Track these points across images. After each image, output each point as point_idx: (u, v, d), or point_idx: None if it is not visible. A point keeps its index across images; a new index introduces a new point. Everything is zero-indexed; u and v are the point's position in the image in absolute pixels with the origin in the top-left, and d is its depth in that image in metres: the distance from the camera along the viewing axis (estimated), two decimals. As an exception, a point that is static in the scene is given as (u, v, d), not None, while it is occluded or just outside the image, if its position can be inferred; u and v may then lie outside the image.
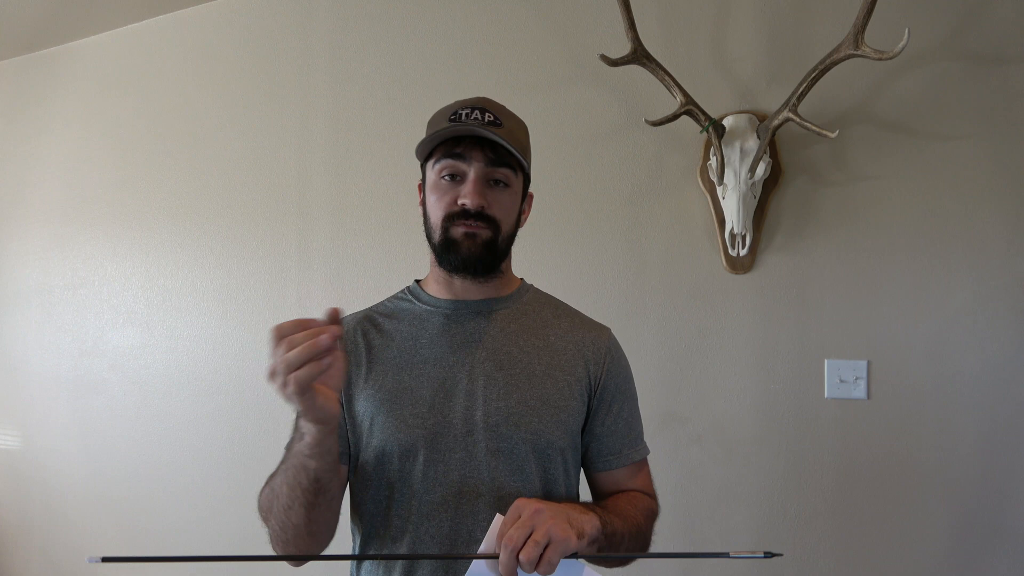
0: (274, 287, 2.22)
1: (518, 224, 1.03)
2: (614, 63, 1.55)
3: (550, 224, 1.85)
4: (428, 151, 0.99)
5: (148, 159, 2.46)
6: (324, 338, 0.71)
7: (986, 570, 1.49)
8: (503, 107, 1.01)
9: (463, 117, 0.96)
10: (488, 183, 0.96)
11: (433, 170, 0.98)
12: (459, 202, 0.94)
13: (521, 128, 1.03)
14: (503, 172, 0.97)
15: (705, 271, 1.71)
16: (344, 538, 1.01)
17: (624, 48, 1.57)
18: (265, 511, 0.93)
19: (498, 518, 0.80)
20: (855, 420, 1.58)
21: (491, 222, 0.96)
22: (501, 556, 0.76)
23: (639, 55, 1.56)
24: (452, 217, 0.95)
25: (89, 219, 2.57)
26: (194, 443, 2.32)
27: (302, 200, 2.19)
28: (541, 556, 0.75)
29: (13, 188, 2.77)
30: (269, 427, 2.18)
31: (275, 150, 2.24)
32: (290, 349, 0.71)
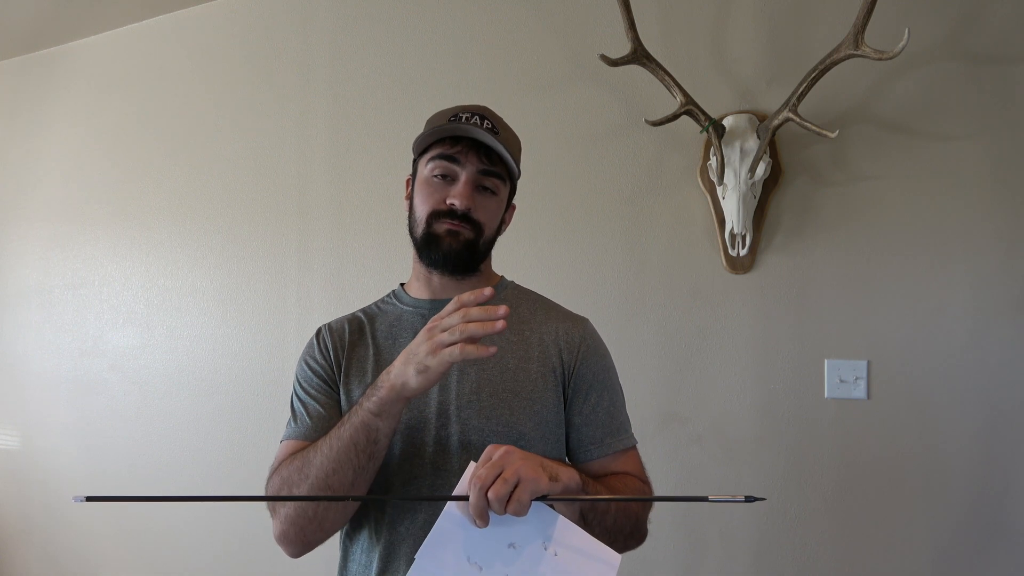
0: (274, 287, 2.22)
1: (499, 231, 1.06)
2: (614, 63, 1.55)
3: (550, 224, 1.85)
4: (425, 147, 1.02)
5: (148, 159, 2.46)
6: (500, 324, 0.79)
7: (986, 570, 1.49)
8: (501, 119, 1.04)
9: (463, 120, 0.99)
10: (478, 188, 1.00)
11: (426, 167, 1.01)
12: (448, 201, 0.97)
13: (515, 141, 1.06)
14: (493, 181, 1.00)
15: (705, 271, 1.71)
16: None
17: (624, 48, 1.57)
18: (289, 486, 0.90)
19: (472, 465, 0.80)
20: (855, 420, 1.58)
21: (475, 225, 0.99)
22: (471, 496, 0.75)
23: (639, 55, 1.56)
24: (438, 215, 0.98)
25: (89, 219, 2.57)
26: (194, 443, 2.32)
27: (302, 200, 2.19)
28: (511, 496, 0.74)
29: (13, 188, 2.77)
30: (269, 427, 2.18)
31: (275, 150, 2.24)
32: (466, 319, 0.79)
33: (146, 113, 2.47)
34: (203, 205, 2.35)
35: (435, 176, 0.99)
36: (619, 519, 0.92)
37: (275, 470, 0.95)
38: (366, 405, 0.87)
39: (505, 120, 1.06)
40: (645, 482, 1.04)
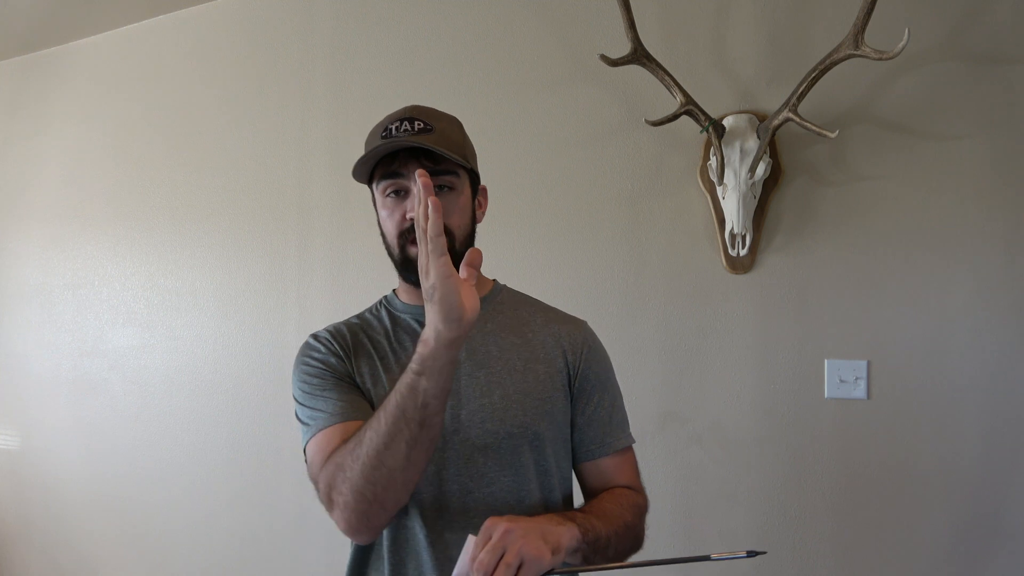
0: (274, 287, 2.22)
1: (474, 222, 1.03)
2: (614, 63, 1.55)
3: (550, 224, 1.85)
4: (367, 173, 0.99)
5: (148, 159, 2.46)
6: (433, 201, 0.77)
7: (986, 570, 1.49)
8: (432, 110, 1.00)
9: (393, 132, 0.96)
10: (432, 191, 0.94)
11: (378, 189, 0.99)
12: (408, 216, 0.95)
13: (454, 126, 1.01)
14: (445, 179, 0.96)
15: (705, 271, 1.71)
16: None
17: (624, 48, 1.57)
18: (343, 470, 0.86)
19: (470, 539, 0.79)
20: (855, 420, 1.58)
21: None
22: None
23: (639, 55, 1.56)
24: (405, 234, 0.96)
25: (89, 219, 2.57)
26: (194, 443, 2.32)
27: (302, 200, 2.19)
28: None
29: (13, 188, 2.77)
30: (269, 427, 2.18)
31: (275, 150, 2.24)
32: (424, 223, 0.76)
33: (146, 113, 2.47)
34: (203, 205, 2.35)
35: (388, 196, 0.98)
36: (620, 547, 0.93)
37: (328, 458, 0.89)
38: (409, 366, 0.82)
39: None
40: (639, 491, 1.05)
